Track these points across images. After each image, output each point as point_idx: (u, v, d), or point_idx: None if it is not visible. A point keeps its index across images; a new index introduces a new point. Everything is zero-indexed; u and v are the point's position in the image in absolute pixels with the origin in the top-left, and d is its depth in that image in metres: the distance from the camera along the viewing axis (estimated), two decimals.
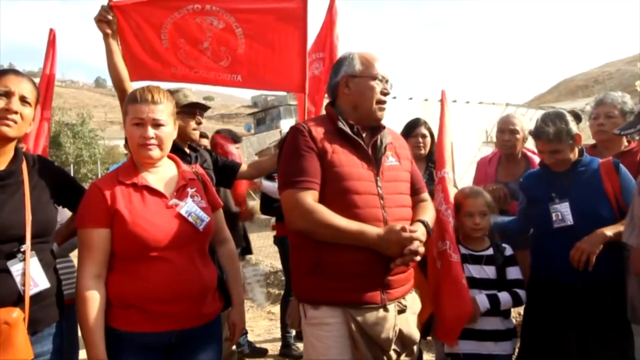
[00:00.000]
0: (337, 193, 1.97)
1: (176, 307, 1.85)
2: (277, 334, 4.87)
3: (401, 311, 2.03)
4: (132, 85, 2.74)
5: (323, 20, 3.60)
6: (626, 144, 2.99)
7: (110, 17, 2.71)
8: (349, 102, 2.12)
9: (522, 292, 2.59)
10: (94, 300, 1.79)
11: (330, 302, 1.96)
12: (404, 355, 2.06)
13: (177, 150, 2.55)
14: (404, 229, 1.90)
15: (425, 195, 2.28)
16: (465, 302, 2.45)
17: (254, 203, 4.56)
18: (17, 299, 1.70)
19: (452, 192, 2.67)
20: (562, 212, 2.48)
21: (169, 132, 1.97)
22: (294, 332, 4.44)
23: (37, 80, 2.25)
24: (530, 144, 3.17)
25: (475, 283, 2.55)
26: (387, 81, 2.13)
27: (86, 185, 2.18)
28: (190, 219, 1.92)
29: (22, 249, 1.73)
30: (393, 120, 2.41)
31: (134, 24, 2.84)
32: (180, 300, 1.85)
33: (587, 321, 2.41)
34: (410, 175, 2.20)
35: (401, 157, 2.18)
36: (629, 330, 2.18)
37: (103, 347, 1.77)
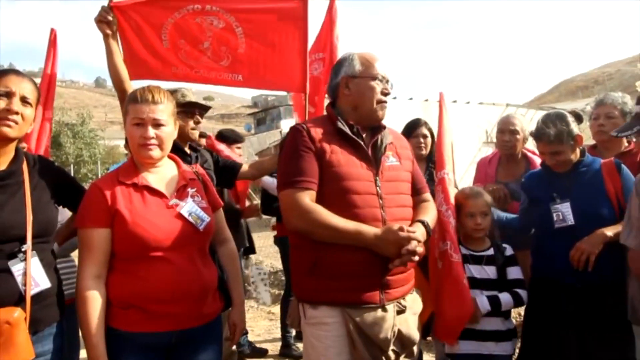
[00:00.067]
0: (336, 193, 1.98)
1: (176, 307, 1.85)
2: (277, 334, 4.88)
3: (400, 311, 2.03)
4: (132, 86, 2.74)
5: (323, 20, 3.60)
6: (626, 144, 2.99)
7: (110, 18, 2.71)
8: (349, 103, 2.12)
9: (522, 292, 2.59)
10: (94, 300, 1.79)
11: (328, 301, 1.97)
12: (403, 355, 2.05)
13: (178, 150, 2.55)
14: (401, 229, 1.90)
15: (427, 195, 2.27)
16: (466, 302, 2.46)
17: (256, 203, 4.55)
18: (18, 299, 1.70)
19: (452, 193, 2.68)
20: (563, 212, 2.48)
21: (170, 132, 1.97)
22: (294, 332, 4.44)
23: (37, 80, 2.25)
24: (531, 144, 3.17)
25: (476, 283, 2.56)
26: (387, 81, 2.13)
27: (86, 186, 2.18)
28: (190, 219, 1.93)
29: (23, 249, 1.73)
30: (393, 120, 2.41)
31: (134, 24, 2.84)
32: (180, 301, 1.85)
33: (587, 321, 2.41)
34: (411, 176, 2.20)
35: (402, 157, 2.18)
36: (630, 330, 2.18)
37: (103, 347, 1.77)
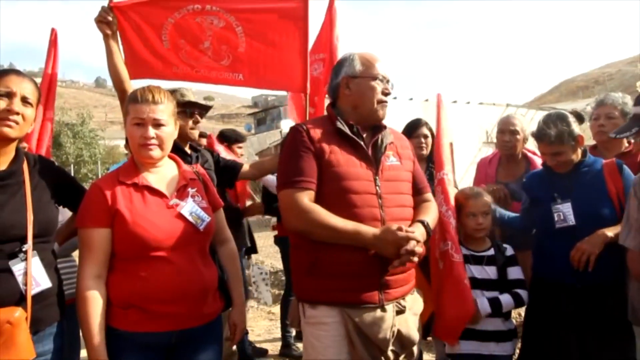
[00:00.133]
0: (335, 192, 1.98)
1: (177, 307, 1.85)
2: (277, 334, 4.88)
3: (400, 312, 2.03)
4: (132, 86, 2.74)
5: (323, 20, 3.60)
6: (627, 144, 2.99)
7: (110, 18, 2.71)
8: (350, 103, 2.12)
9: (523, 293, 2.59)
10: (94, 300, 1.79)
11: (327, 301, 1.97)
12: (403, 356, 2.05)
13: (178, 150, 2.55)
14: (400, 229, 1.90)
15: (428, 195, 2.27)
16: (468, 302, 2.46)
17: (259, 201, 4.55)
18: (19, 299, 1.70)
19: (452, 193, 2.68)
20: (564, 212, 2.48)
21: (170, 132, 1.97)
22: (294, 332, 4.44)
23: (37, 80, 2.25)
24: (531, 144, 3.17)
25: (477, 283, 2.56)
26: (388, 81, 2.13)
27: (86, 185, 2.18)
28: (191, 219, 1.93)
29: (23, 249, 1.73)
30: (394, 120, 2.41)
31: (134, 24, 2.84)
32: (180, 301, 1.85)
33: (587, 322, 2.41)
34: (412, 175, 2.20)
35: (403, 157, 2.18)
36: (630, 331, 2.19)
37: (103, 347, 1.77)
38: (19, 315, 1.64)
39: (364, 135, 2.11)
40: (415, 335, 2.08)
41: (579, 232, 2.41)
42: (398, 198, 2.08)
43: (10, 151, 1.83)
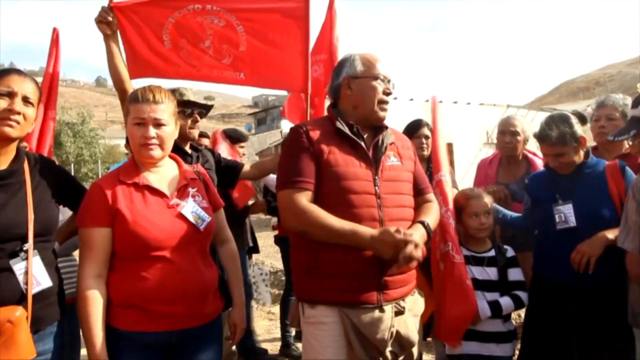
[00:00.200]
0: (334, 192, 1.98)
1: (177, 307, 1.85)
2: (277, 334, 4.88)
3: (399, 313, 2.02)
4: (132, 85, 2.74)
5: (323, 21, 3.59)
6: (627, 146, 2.99)
7: (110, 18, 2.71)
8: (351, 103, 2.13)
9: (523, 295, 2.59)
10: (94, 299, 1.79)
11: (326, 301, 1.97)
12: (402, 357, 2.04)
13: (178, 150, 2.55)
14: (397, 231, 1.89)
15: (430, 196, 2.26)
16: (470, 303, 2.45)
17: (262, 200, 4.55)
18: (19, 298, 1.70)
19: (450, 194, 2.68)
20: (565, 213, 2.48)
21: (170, 132, 1.97)
22: (293, 332, 4.44)
23: (38, 79, 2.25)
24: (532, 145, 3.17)
25: (477, 284, 2.55)
26: (389, 81, 2.13)
27: (87, 185, 2.18)
28: (191, 218, 1.93)
29: (24, 248, 1.73)
30: (394, 121, 2.41)
31: (135, 24, 2.84)
32: (181, 300, 1.85)
33: (588, 324, 2.40)
34: (413, 176, 2.20)
35: (404, 157, 2.18)
36: (630, 333, 2.19)
37: (104, 347, 1.77)
38: (20, 314, 1.64)
39: (365, 136, 2.11)
40: (415, 337, 2.08)
41: (579, 233, 2.41)
42: (398, 198, 2.08)
43: (11, 151, 1.84)
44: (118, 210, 1.84)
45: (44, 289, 1.78)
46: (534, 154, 3.46)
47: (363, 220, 1.95)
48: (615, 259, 2.27)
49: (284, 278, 6.86)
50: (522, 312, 2.90)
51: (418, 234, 1.97)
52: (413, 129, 3.41)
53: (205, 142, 4.05)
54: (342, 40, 3.50)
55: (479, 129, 17.19)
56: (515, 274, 2.63)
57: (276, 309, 5.72)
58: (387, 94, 2.12)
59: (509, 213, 2.95)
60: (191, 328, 1.90)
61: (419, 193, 2.20)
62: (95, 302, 1.79)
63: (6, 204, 1.73)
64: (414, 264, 1.93)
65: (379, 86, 2.10)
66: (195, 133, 2.89)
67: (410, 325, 2.06)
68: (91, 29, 2.79)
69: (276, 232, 4.68)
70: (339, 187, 1.98)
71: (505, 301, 2.55)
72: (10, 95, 1.77)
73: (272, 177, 3.95)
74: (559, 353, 2.47)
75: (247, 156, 4.68)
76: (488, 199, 2.73)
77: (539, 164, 3.34)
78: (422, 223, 2.07)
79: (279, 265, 7.79)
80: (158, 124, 1.91)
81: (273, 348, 4.60)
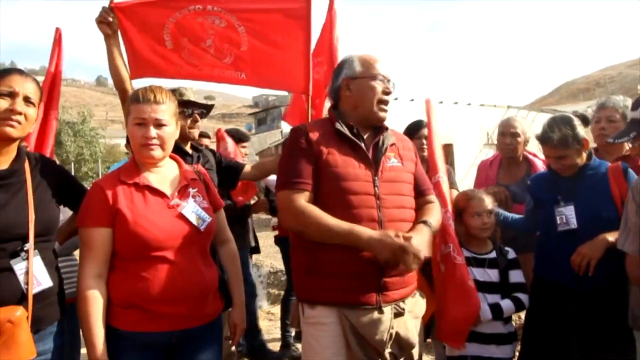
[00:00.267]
0: (333, 193, 1.99)
1: (177, 307, 1.85)
2: (277, 334, 4.88)
3: (399, 314, 2.02)
4: (133, 86, 2.74)
5: (323, 22, 3.59)
6: (627, 148, 2.98)
7: (110, 19, 2.71)
8: (351, 104, 2.13)
9: (524, 297, 2.59)
10: (95, 299, 1.79)
11: (325, 301, 1.97)
12: (401, 359, 2.04)
13: (179, 150, 2.55)
14: (397, 236, 1.88)
15: (432, 197, 2.25)
16: (473, 304, 2.44)
17: (264, 199, 4.55)
18: (20, 298, 1.70)
19: (448, 195, 2.68)
20: (567, 215, 2.48)
21: (171, 132, 1.97)
22: (293, 332, 4.44)
23: (39, 78, 2.25)
24: (532, 146, 3.17)
25: (478, 286, 2.55)
26: (388, 80, 2.13)
27: (87, 184, 2.18)
28: (191, 219, 1.93)
29: (25, 248, 1.73)
30: (395, 121, 2.41)
31: (135, 24, 2.84)
32: (181, 301, 1.85)
33: (588, 326, 2.40)
34: (413, 177, 2.19)
35: (404, 158, 2.18)
36: (631, 335, 2.19)
37: (104, 347, 1.77)
38: (20, 314, 1.65)
39: (365, 137, 2.11)
40: (415, 339, 2.07)
41: (581, 235, 2.40)
42: (398, 199, 2.07)
43: (12, 150, 1.84)
44: (119, 211, 1.84)
45: (45, 289, 1.78)
46: (535, 155, 3.46)
47: (362, 220, 1.95)
48: (616, 261, 2.27)
49: (283, 278, 6.86)
50: (522, 314, 2.90)
51: (419, 238, 1.95)
52: (414, 130, 3.41)
53: (206, 142, 4.06)
54: (342, 41, 3.50)
55: (479, 130, 17.20)
56: (516, 276, 2.63)
57: (276, 309, 5.72)
58: (387, 93, 2.12)
59: (509, 215, 2.95)
60: (191, 328, 1.90)
61: (420, 194, 2.20)
62: (96, 302, 1.79)
63: (7, 204, 1.73)
64: (412, 270, 1.93)
65: (378, 86, 2.10)
66: (195, 133, 2.88)
67: (410, 326, 2.06)
68: (92, 28, 2.79)
69: (276, 233, 4.68)
70: (338, 188, 1.98)
71: (506, 304, 2.54)
72: (12, 95, 1.77)
73: (273, 177, 3.94)
74: (559, 355, 2.47)
75: (247, 156, 4.69)
76: (489, 199, 2.73)
77: (540, 165, 3.34)
78: (425, 223, 2.07)
79: (279, 265, 7.80)
80: (159, 124, 1.91)
81: (273, 348, 4.60)
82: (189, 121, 2.81)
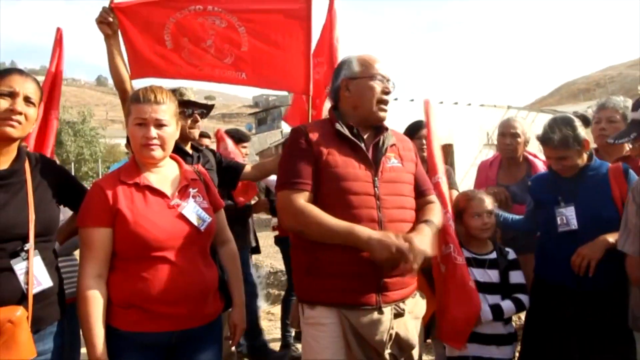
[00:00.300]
0: (333, 193, 1.99)
1: (177, 307, 1.85)
2: (277, 334, 4.88)
3: (399, 315, 2.02)
4: (133, 86, 2.74)
5: (323, 23, 3.59)
6: (627, 148, 2.98)
7: (110, 19, 2.71)
8: (350, 104, 2.14)
9: (524, 298, 2.59)
10: (95, 299, 1.79)
11: (325, 302, 1.97)
12: (402, 359, 2.05)
13: (179, 150, 2.55)
14: (397, 236, 1.87)
15: (432, 197, 2.25)
16: (474, 304, 2.44)
17: (265, 199, 4.55)
18: (20, 298, 1.70)
19: (448, 196, 2.68)
20: (567, 216, 2.48)
21: (172, 132, 1.97)
22: (293, 333, 4.44)
23: (39, 78, 2.24)
24: (533, 147, 3.16)
25: (479, 287, 2.54)
26: (388, 80, 2.13)
27: (87, 184, 2.19)
28: (192, 219, 1.93)
29: (25, 248, 1.73)
30: (395, 122, 2.41)
31: (136, 25, 2.84)
32: (181, 301, 1.85)
33: (588, 326, 2.40)
34: (414, 178, 2.19)
35: (405, 159, 2.17)
36: (631, 336, 2.19)
37: (103, 347, 1.77)
38: (21, 314, 1.65)
39: (365, 137, 2.12)
40: (415, 339, 2.07)
41: (581, 236, 2.40)
42: (398, 200, 2.07)
43: (13, 150, 1.84)
44: (119, 211, 1.84)
45: (45, 289, 1.78)
46: (535, 156, 3.46)
47: (362, 221, 1.95)
48: (615, 262, 2.27)
49: (283, 278, 6.85)
50: (522, 314, 2.90)
51: (421, 237, 1.95)
52: (414, 130, 3.41)
53: (206, 142, 4.06)
54: (342, 41, 3.50)
55: (479, 130, 17.20)
56: (516, 277, 2.63)
57: (275, 309, 5.72)
58: (386, 93, 2.12)
59: (509, 216, 2.95)
60: (191, 328, 1.90)
61: (420, 194, 2.20)
62: (96, 302, 1.79)
63: (7, 204, 1.73)
64: (413, 269, 1.93)
65: (377, 86, 2.10)
66: (195, 133, 2.88)
67: (410, 327, 2.06)
68: (92, 28, 2.79)
69: (276, 233, 4.68)
70: (337, 188, 1.98)
71: (507, 305, 2.54)
72: (12, 95, 1.77)
73: (273, 178, 3.94)
74: (559, 356, 2.47)
75: (248, 156, 4.69)
76: (489, 199, 2.73)
77: (540, 165, 3.34)
78: (427, 222, 2.07)
79: (279, 265, 7.79)
80: (159, 125, 1.92)
81: (273, 348, 4.60)
82: (189, 121, 2.80)
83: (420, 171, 2.26)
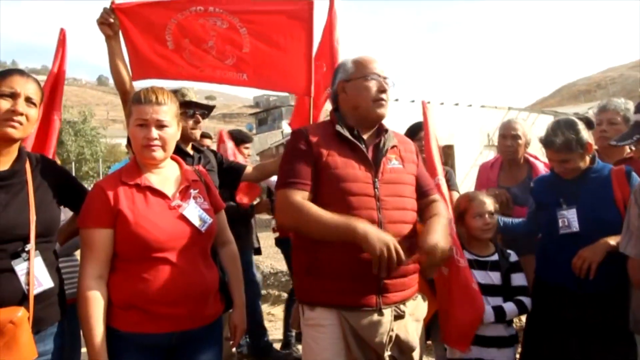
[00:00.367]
0: (333, 194, 1.99)
1: (178, 308, 1.85)
2: (277, 334, 4.87)
3: (399, 317, 2.01)
4: (134, 86, 2.74)
5: (324, 24, 3.58)
6: (629, 150, 2.98)
7: (111, 20, 2.72)
8: (349, 106, 2.15)
9: (526, 300, 2.58)
10: (95, 300, 1.79)
11: (324, 303, 1.98)
12: None
13: (180, 151, 2.55)
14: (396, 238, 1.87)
15: (436, 196, 2.25)
16: (478, 306, 2.44)
17: (266, 199, 4.55)
18: (21, 299, 1.71)
19: (448, 197, 2.68)
20: (569, 218, 2.48)
21: (173, 133, 1.97)
22: (294, 333, 4.44)
23: (41, 77, 2.24)
24: (534, 148, 3.16)
25: (481, 289, 2.54)
26: (385, 78, 2.13)
27: (87, 184, 2.19)
28: (193, 220, 1.93)
29: (26, 249, 1.73)
30: (395, 122, 2.42)
31: (137, 25, 2.85)
32: (181, 302, 1.85)
33: (589, 329, 2.40)
34: (415, 179, 2.19)
35: (406, 160, 2.18)
36: (632, 338, 2.18)
37: (104, 348, 1.77)
38: (22, 315, 1.65)
39: (366, 138, 2.12)
40: (415, 341, 2.07)
41: (582, 238, 2.40)
42: (398, 201, 2.07)
43: (13, 151, 1.84)
44: (120, 211, 1.84)
45: (46, 290, 1.78)
46: (536, 157, 3.46)
47: None
48: (617, 264, 2.26)
49: (284, 279, 6.86)
50: (523, 317, 2.89)
51: (435, 233, 1.98)
52: (414, 131, 3.41)
53: (207, 142, 4.06)
54: (342, 42, 3.49)
55: (480, 132, 17.17)
56: (518, 279, 2.63)
57: (275, 310, 5.72)
58: (382, 91, 2.11)
59: (509, 220, 2.95)
60: (192, 329, 1.90)
61: (423, 195, 2.20)
62: (96, 303, 1.79)
63: (8, 205, 1.73)
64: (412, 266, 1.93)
65: (372, 84, 2.10)
66: (197, 134, 2.88)
67: (410, 329, 2.05)
68: (93, 28, 2.79)
69: (277, 234, 4.68)
70: (337, 189, 1.99)
71: (509, 307, 2.54)
72: (13, 96, 1.77)
73: (274, 179, 3.94)
74: (560, 358, 2.46)
75: (249, 157, 4.69)
76: (490, 200, 2.73)
77: (541, 167, 3.34)
78: (437, 215, 2.10)
79: (279, 266, 7.80)
80: (160, 125, 1.92)
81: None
82: (190, 122, 2.80)
83: (422, 172, 2.26)
